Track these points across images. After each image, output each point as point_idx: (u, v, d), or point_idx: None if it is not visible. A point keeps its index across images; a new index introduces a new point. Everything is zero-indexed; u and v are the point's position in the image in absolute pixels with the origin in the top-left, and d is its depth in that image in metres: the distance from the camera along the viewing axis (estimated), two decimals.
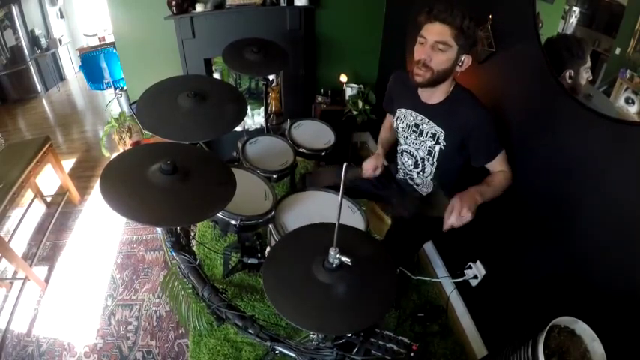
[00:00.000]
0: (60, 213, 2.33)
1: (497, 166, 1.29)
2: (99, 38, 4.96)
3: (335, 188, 1.46)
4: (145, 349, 1.68)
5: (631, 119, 0.88)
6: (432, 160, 1.36)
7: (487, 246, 1.52)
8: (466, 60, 1.19)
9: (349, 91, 2.64)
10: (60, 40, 5.07)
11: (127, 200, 0.90)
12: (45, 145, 2.14)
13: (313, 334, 1.03)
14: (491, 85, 1.41)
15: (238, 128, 1.52)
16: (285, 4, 2.32)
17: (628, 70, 0.87)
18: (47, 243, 2.21)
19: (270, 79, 2.43)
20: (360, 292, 0.84)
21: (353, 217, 1.38)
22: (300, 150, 1.85)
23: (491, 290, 1.51)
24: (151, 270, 2.04)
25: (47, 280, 2.01)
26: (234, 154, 1.86)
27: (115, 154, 1.77)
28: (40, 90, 4.67)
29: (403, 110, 1.41)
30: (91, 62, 3.78)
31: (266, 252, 1.54)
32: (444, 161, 1.35)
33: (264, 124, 2.28)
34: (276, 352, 1.07)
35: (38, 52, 4.68)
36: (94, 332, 1.75)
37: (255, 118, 2.86)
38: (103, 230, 2.32)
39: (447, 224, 1.15)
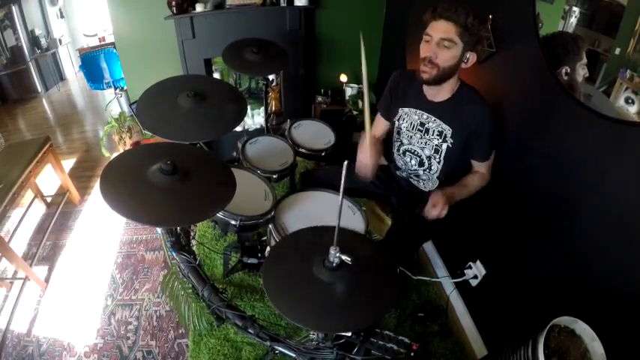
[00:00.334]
0: (60, 213, 2.33)
1: (483, 167, 1.32)
2: (99, 38, 4.96)
3: (335, 187, 1.46)
4: (145, 349, 1.68)
5: (631, 119, 0.88)
6: (439, 157, 1.37)
7: (487, 246, 1.52)
8: (471, 57, 1.20)
9: (349, 91, 2.64)
10: (60, 40, 5.07)
11: (127, 200, 0.90)
12: (45, 145, 2.14)
13: (313, 334, 1.03)
14: (491, 85, 1.41)
15: (238, 128, 1.51)
16: (285, 4, 2.32)
17: (628, 70, 0.88)
18: (47, 243, 2.21)
19: (270, 79, 2.44)
20: (360, 291, 0.84)
21: (353, 217, 1.38)
22: (300, 150, 1.85)
23: (491, 290, 1.51)
24: (150, 270, 2.04)
25: (47, 280, 2.01)
26: (234, 154, 1.86)
27: (115, 154, 1.78)
28: (40, 90, 4.67)
29: (407, 109, 1.40)
30: (91, 62, 3.78)
31: (266, 252, 1.54)
32: (450, 159, 1.35)
33: (264, 124, 2.28)
34: (276, 352, 1.07)
35: (38, 52, 4.68)
36: (94, 332, 1.74)
37: (255, 118, 2.86)
38: (103, 230, 2.32)
39: (432, 215, 1.25)
